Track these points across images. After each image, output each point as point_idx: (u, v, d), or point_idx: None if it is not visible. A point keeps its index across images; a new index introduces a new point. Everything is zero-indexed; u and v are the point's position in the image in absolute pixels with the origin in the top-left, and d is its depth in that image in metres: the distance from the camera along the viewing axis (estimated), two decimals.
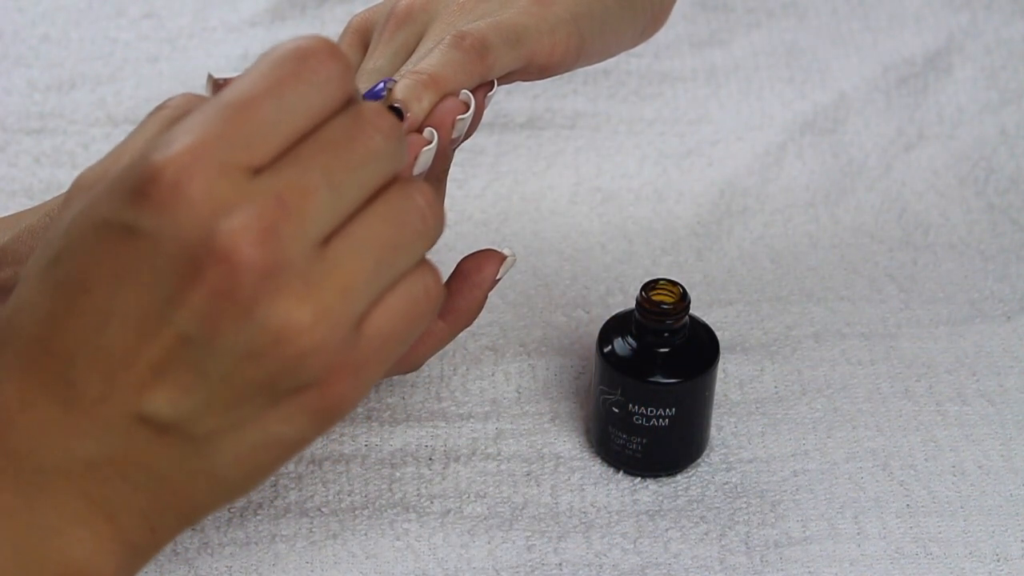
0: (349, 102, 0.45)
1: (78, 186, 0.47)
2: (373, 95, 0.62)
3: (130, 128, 0.88)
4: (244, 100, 0.43)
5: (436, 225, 0.47)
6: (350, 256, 0.44)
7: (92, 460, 0.44)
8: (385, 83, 0.62)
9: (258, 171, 0.43)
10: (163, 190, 0.42)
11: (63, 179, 0.84)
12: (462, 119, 0.60)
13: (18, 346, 0.44)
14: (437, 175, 0.63)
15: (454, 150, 0.65)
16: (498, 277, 0.64)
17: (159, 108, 0.49)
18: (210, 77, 0.70)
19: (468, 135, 0.64)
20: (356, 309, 0.44)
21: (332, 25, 0.95)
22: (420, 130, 0.60)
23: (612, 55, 0.68)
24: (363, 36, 0.67)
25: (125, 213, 0.42)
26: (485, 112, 0.65)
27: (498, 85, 0.63)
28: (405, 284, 0.46)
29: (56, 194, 0.65)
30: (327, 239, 0.44)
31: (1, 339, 0.45)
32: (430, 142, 0.59)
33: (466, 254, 0.64)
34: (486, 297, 0.64)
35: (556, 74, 0.65)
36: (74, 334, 0.43)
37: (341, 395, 0.44)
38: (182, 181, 0.42)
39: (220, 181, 0.42)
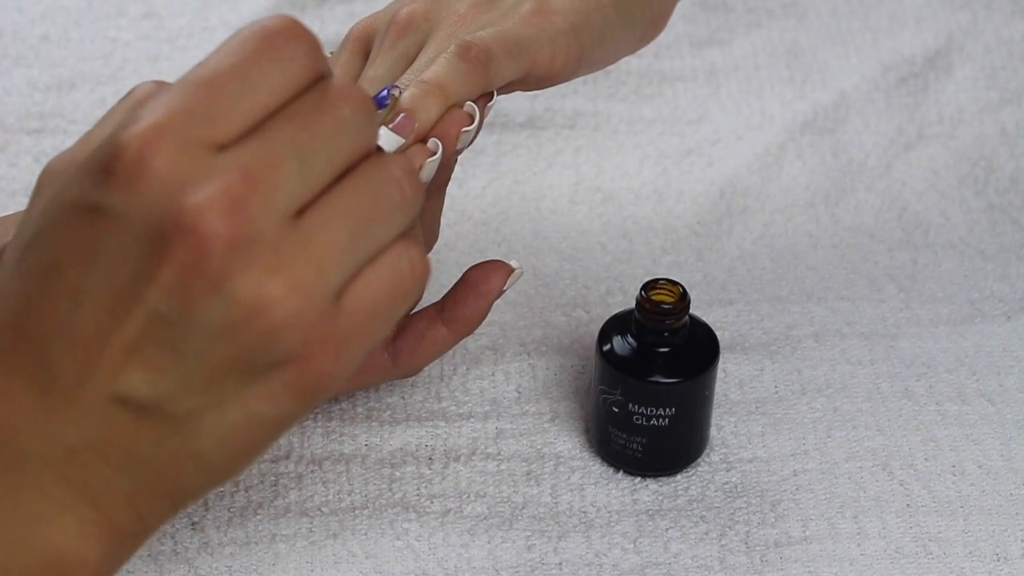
0: (318, 80, 0.45)
1: (47, 173, 0.47)
2: (376, 102, 0.62)
3: None
4: (208, 77, 0.43)
5: (414, 196, 0.46)
6: (323, 228, 0.43)
7: (72, 445, 0.44)
8: (389, 90, 0.62)
9: (224, 147, 0.43)
10: (127, 167, 0.42)
11: None
12: (467, 131, 0.60)
13: None
14: (438, 185, 0.63)
15: (455, 161, 0.65)
16: (504, 288, 0.64)
17: (127, 95, 0.49)
18: None
19: (469, 143, 0.64)
20: (331, 281, 0.43)
21: (332, 25, 0.95)
22: (425, 140, 0.60)
23: (612, 62, 0.69)
24: (364, 44, 0.67)
25: (92, 193, 0.42)
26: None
27: (498, 95, 0.63)
28: (387, 258, 0.45)
29: None
30: (300, 212, 0.43)
31: None
32: (435, 153, 0.59)
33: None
34: (490, 307, 0.64)
35: (556, 84, 0.65)
36: (48, 318, 0.43)
37: (322, 371, 0.44)
38: (146, 157, 0.41)
39: (184, 156, 0.42)
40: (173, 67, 0.93)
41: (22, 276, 0.44)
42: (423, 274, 0.46)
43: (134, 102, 0.48)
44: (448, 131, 0.59)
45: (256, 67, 0.44)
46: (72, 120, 0.89)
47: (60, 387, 0.43)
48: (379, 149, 0.47)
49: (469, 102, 0.60)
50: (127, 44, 0.95)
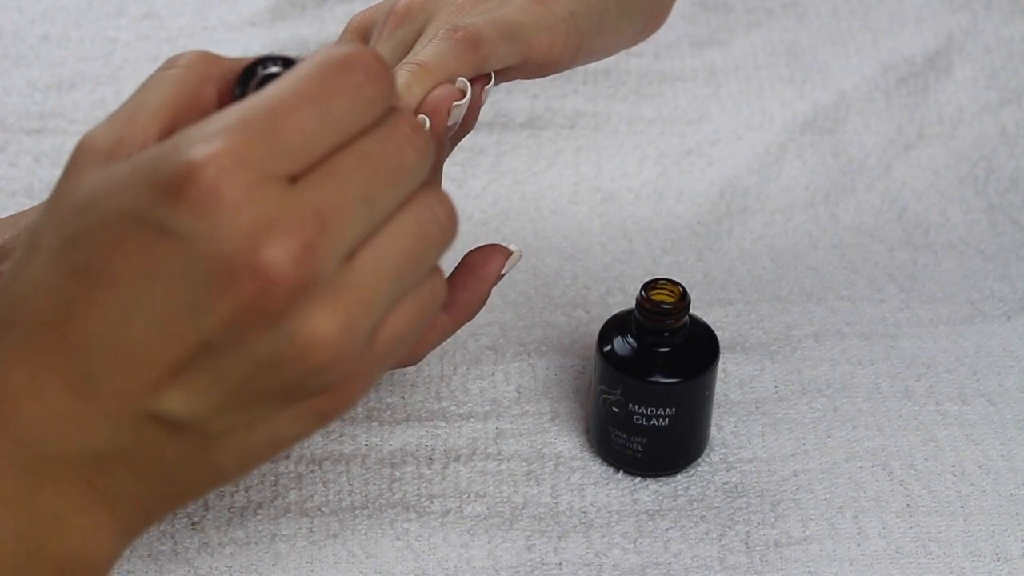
0: (388, 112, 0.45)
1: (85, 150, 0.45)
2: None
3: None
4: (288, 104, 0.42)
5: (453, 235, 0.47)
6: (374, 269, 0.44)
7: (99, 452, 0.43)
8: None
9: (295, 179, 0.42)
10: (201, 192, 0.41)
11: None
12: (458, 106, 0.60)
13: (29, 327, 0.43)
14: (434, 165, 0.63)
15: (453, 142, 0.65)
16: (503, 272, 0.64)
17: (169, 65, 0.47)
18: None
19: (467, 130, 0.64)
20: (375, 320, 0.44)
21: (332, 25, 0.95)
22: None
23: (612, 53, 0.69)
24: (363, 35, 0.68)
25: (157, 210, 0.41)
26: (484, 111, 0.65)
27: (498, 82, 0.64)
28: (416, 291, 0.46)
29: None
30: (353, 250, 0.44)
31: (4, 317, 0.44)
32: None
33: (467, 251, 0.64)
34: (490, 291, 0.64)
35: (556, 71, 0.65)
36: (94, 326, 0.42)
37: (349, 398, 0.45)
38: (222, 186, 0.41)
39: (260, 190, 0.41)
40: None
41: (66, 274, 0.43)
42: (441, 300, 0.47)
43: (183, 83, 0.46)
44: (437, 107, 0.60)
45: (335, 100, 0.43)
46: (72, 120, 0.89)
47: (97, 396, 0.43)
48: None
49: (461, 78, 0.60)
50: (127, 44, 0.95)
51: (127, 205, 0.42)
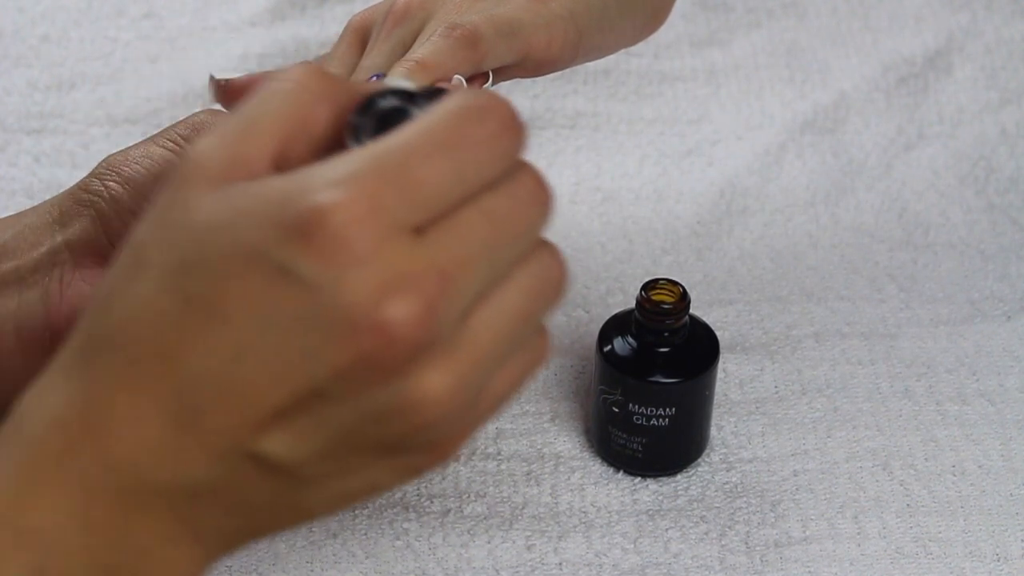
0: (515, 165, 0.44)
1: (199, 167, 0.43)
2: None
3: (130, 128, 0.88)
4: (422, 153, 0.42)
5: (564, 292, 0.46)
6: (490, 328, 0.43)
7: (193, 485, 0.43)
8: (377, 77, 0.62)
9: (421, 230, 0.42)
10: (330, 240, 0.40)
11: (63, 179, 0.84)
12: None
13: (135, 353, 0.42)
14: None
15: None
16: None
17: (280, 79, 0.45)
18: (212, 78, 0.70)
19: None
20: (484, 380, 0.44)
21: (332, 25, 0.95)
22: None
23: (611, 51, 0.69)
24: (362, 36, 0.68)
25: (282, 251, 0.40)
26: None
27: (496, 80, 0.64)
28: (525, 349, 0.45)
29: (56, 194, 0.65)
30: (470, 308, 0.43)
31: (107, 333, 0.43)
32: None
33: None
34: None
35: (555, 70, 0.65)
36: (204, 360, 0.42)
37: (448, 454, 0.44)
38: (351, 236, 0.40)
39: (388, 244, 0.41)
40: (173, 67, 0.93)
41: (179, 303, 0.42)
42: (546, 359, 0.47)
43: (299, 99, 0.44)
44: None
45: (470, 151, 0.42)
46: (72, 120, 0.89)
47: (199, 430, 0.42)
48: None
49: (457, 76, 0.60)
50: (127, 44, 0.95)
51: (250, 241, 0.41)
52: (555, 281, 0.45)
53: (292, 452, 0.42)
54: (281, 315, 0.41)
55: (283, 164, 0.43)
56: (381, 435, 0.43)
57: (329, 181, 0.41)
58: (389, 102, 0.44)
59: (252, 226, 0.41)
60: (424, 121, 0.42)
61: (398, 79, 0.60)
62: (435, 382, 0.42)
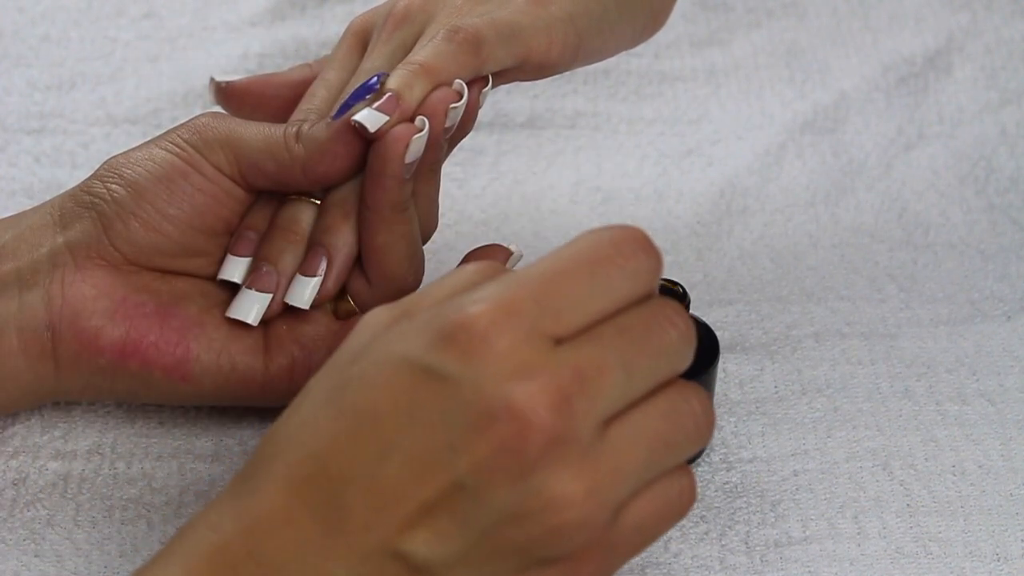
0: (651, 294, 0.47)
1: (369, 324, 0.47)
2: (366, 89, 0.62)
3: (130, 128, 0.88)
4: (560, 272, 0.44)
5: (708, 432, 0.47)
6: (628, 442, 0.45)
7: None
8: (378, 77, 0.62)
9: (560, 341, 0.44)
10: (471, 340, 0.43)
11: (63, 179, 0.84)
12: (455, 108, 0.61)
13: (291, 458, 0.44)
14: (430, 165, 0.63)
15: (451, 144, 0.65)
16: None
17: (466, 267, 0.49)
18: (212, 80, 0.70)
19: (464, 132, 0.64)
20: (622, 494, 0.44)
21: (332, 25, 0.95)
22: (412, 119, 0.60)
23: (611, 55, 0.69)
24: (362, 39, 0.68)
25: (429, 355, 0.43)
26: (484, 111, 0.65)
27: (496, 84, 0.64)
28: (665, 483, 0.46)
29: (56, 194, 0.65)
30: (609, 421, 0.44)
31: (271, 452, 0.45)
32: (421, 130, 0.60)
33: (468, 251, 0.64)
34: None
35: (554, 73, 0.65)
36: (353, 460, 0.43)
37: (584, 572, 0.45)
38: (491, 335, 0.43)
39: (526, 344, 0.43)
40: (173, 67, 0.93)
41: (336, 413, 0.44)
42: (690, 503, 0.48)
43: (475, 280, 0.48)
44: (435, 108, 0.60)
45: (605, 272, 0.45)
46: (72, 120, 0.89)
47: (347, 529, 0.43)
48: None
49: (458, 80, 0.61)
50: (127, 44, 0.95)
51: (401, 350, 0.44)
52: (697, 417, 0.47)
53: (435, 552, 0.43)
54: (425, 412, 0.43)
55: None
56: (519, 536, 0.43)
57: (476, 296, 0.44)
58: None
59: (405, 338, 0.44)
60: (565, 247, 0.46)
61: None
62: (571, 484, 0.43)
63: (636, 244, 0.46)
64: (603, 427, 0.44)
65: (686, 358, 0.47)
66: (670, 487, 0.47)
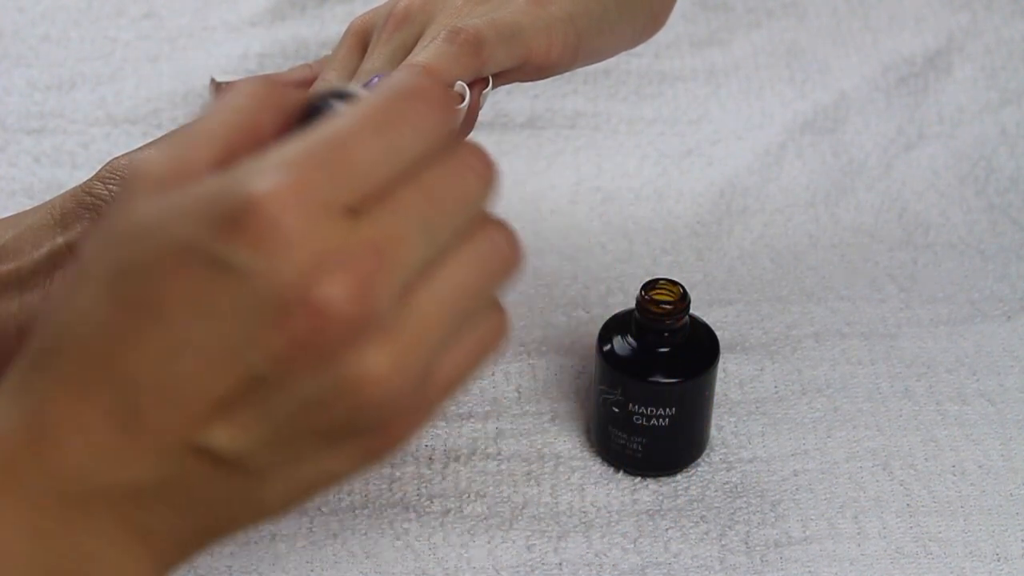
0: (445, 145, 0.44)
1: (141, 178, 0.44)
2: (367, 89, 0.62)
3: (130, 128, 0.88)
4: (351, 133, 0.42)
5: (516, 267, 0.46)
6: (432, 305, 0.43)
7: (140, 487, 0.43)
8: (378, 78, 0.62)
9: (355, 211, 0.41)
10: (259, 228, 0.40)
11: (63, 179, 0.84)
12: (457, 110, 0.60)
13: (75, 359, 0.43)
14: None
15: None
16: None
17: (231, 91, 0.46)
18: (213, 81, 0.70)
19: (465, 133, 0.64)
20: (430, 358, 0.43)
21: (332, 25, 0.95)
22: None
23: (611, 55, 0.69)
24: (363, 39, 0.68)
25: (214, 244, 0.40)
26: (484, 112, 0.65)
27: (496, 85, 0.64)
28: (476, 327, 0.45)
29: (56, 194, 0.65)
30: (410, 285, 0.42)
31: (52, 346, 0.43)
32: None
33: None
34: None
35: (554, 74, 0.65)
36: (142, 359, 0.42)
37: (400, 437, 0.44)
38: (281, 222, 0.40)
39: (320, 224, 0.40)
40: (173, 67, 0.93)
41: (117, 306, 0.42)
42: (504, 339, 0.46)
43: (245, 107, 0.45)
44: None
45: (397, 131, 0.42)
46: (72, 120, 0.89)
47: (141, 430, 0.42)
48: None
49: (459, 82, 0.60)
50: (127, 44, 0.95)
51: (183, 238, 0.41)
52: (503, 255, 0.45)
53: (237, 444, 0.42)
54: (215, 306, 0.41)
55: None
56: (325, 420, 0.42)
57: (259, 171, 0.41)
58: (331, 106, 0.44)
59: (185, 223, 0.41)
60: (352, 108, 0.43)
61: (342, 83, 0.59)
62: (376, 361, 0.41)
63: (429, 98, 0.43)
64: (404, 295, 0.42)
65: (487, 199, 0.45)
66: (482, 329, 0.45)
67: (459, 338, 0.44)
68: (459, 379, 0.45)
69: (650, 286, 0.67)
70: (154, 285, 0.42)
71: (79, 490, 0.43)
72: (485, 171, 0.45)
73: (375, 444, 0.43)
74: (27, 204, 0.83)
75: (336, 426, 0.42)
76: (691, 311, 0.67)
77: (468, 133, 0.64)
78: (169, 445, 0.42)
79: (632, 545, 0.66)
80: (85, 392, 0.42)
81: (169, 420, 0.42)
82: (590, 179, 0.87)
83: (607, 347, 0.68)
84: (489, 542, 0.66)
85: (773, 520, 0.67)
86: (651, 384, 0.67)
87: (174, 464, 0.42)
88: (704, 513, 0.68)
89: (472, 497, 0.68)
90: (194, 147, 0.44)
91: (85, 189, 0.63)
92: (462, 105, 0.61)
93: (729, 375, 0.75)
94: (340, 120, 0.42)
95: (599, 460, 0.70)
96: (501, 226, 0.46)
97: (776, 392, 0.74)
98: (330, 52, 0.70)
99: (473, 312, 0.44)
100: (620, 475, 0.69)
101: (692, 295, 0.68)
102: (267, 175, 0.40)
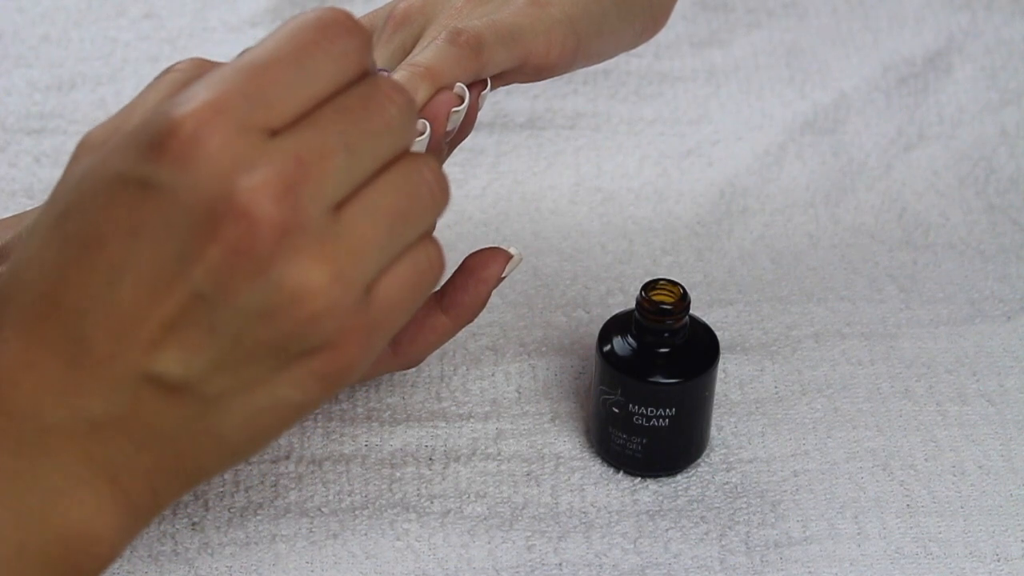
0: (365, 75, 0.46)
1: (85, 145, 0.47)
2: None
3: None
4: (264, 62, 0.43)
5: (443, 198, 0.47)
6: (364, 221, 0.44)
7: (97, 420, 0.43)
8: None
9: (276, 132, 0.43)
10: (181, 144, 0.41)
11: None
12: (456, 111, 0.61)
13: (24, 301, 0.43)
14: None
15: (451, 146, 0.65)
16: (503, 275, 0.64)
17: (167, 71, 0.49)
18: None
19: (464, 135, 0.64)
20: (368, 273, 0.44)
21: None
22: None
23: (610, 56, 0.69)
24: None
25: (141, 167, 0.42)
26: (484, 112, 0.65)
27: (496, 86, 0.64)
28: (412, 255, 0.46)
29: None
30: (341, 204, 0.44)
31: (5, 294, 0.44)
32: (423, 133, 0.60)
33: (467, 254, 0.64)
34: (490, 294, 0.64)
35: (553, 75, 0.65)
36: (84, 290, 0.42)
37: (350, 359, 0.44)
38: (201, 136, 0.41)
39: (239, 138, 0.42)
40: None
41: (58, 244, 0.43)
42: (440, 271, 0.47)
43: (178, 82, 0.48)
44: (437, 112, 0.60)
45: (311, 56, 0.44)
46: (72, 120, 0.89)
47: (91, 361, 0.43)
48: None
49: (459, 83, 0.61)
50: (127, 44, 0.95)
51: (114, 168, 0.43)
52: (431, 185, 0.46)
53: (187, 367, 0.43)
54: (148, 227, 0.42)
55: None
56: (271, 334, 0.43)
57: (179, 99, 0.42)
58: None
59: (117, 156, 0.43)
60: (266, 38, 0.44)
61: None
62: (311, 271, 0.42)
63: (339, 26, 0.45)
64: (335, 211, 0.43)
65: (409, 131, 0.46)
66: (418, 258, 0.46)
67: (396, 261, 0.45)
68: (400, 303, 0.46)
69: (650, 286, 0.67)
70: (91, 217, 0.43)
71: (36, 427, 0.43)
72: (403, 103, 0.46)
73: (326, 366, 0.44)
74: (27, 204, 0.83)
75: (282, 341, 0.43)
76: (691, 311, 0.67)
77: (467, 135, 0.64)
78: (120, 375, 0.43)
79: (632, 545, 0.66)
80: (34, 331, 0.43)
81: (117, 349, 0.42)
82: (590, 179, 0.87)
83: (607, 347, 0.68)
84: (489, 542, 0.66)
85: (773, 520, 0.67)
86: (651, 384, 0.67)
87: (127, 394, 0.43)
88: (704, 513, 0.68)
89: (472, 497, 0.68)
90: (131, 118, 0.46)
91: None
92: (461, 107, 0.61)
93: (729, 375, 0.75)
94: (255, 49, 0.44)
95: (599, 460, 0.70)
96: (428, 159, 0.47)
97: (776, 392, 0.74)
98: None
99: (406, 237, 0.46)
100: (620, 475, 0.69)
101: (692, 295, 0.68)
102: (186, 100, 0.42)
